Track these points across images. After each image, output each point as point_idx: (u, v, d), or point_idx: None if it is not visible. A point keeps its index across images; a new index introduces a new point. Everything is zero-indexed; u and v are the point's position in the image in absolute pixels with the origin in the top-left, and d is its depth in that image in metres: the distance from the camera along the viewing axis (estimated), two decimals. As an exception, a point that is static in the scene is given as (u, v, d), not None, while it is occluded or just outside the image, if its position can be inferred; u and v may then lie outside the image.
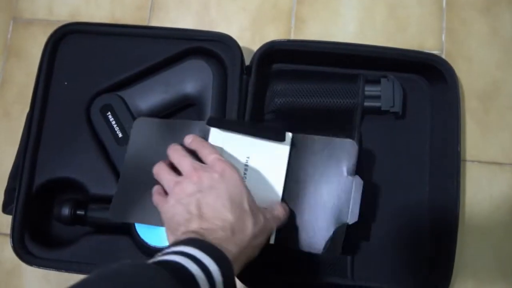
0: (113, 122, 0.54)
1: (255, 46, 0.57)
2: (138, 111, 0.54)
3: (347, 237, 0.49)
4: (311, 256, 0.54)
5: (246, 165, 0.50)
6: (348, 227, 0.48)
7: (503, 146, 0.58)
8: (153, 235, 0.49)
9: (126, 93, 0.55)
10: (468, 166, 0.58)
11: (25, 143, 0.54)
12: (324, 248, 0.49)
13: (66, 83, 0.57)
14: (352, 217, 0.48)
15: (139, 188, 0.49)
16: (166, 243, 0.43)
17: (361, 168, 0.56)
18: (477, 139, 0.59)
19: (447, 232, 0.52)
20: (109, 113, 0.54)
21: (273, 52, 0.56)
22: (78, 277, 0.56)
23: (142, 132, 0.51)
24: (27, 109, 0.56)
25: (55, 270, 0.53)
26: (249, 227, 0.42)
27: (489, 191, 0.57)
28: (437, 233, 0.54)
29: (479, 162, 0.58)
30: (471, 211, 0.57)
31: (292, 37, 0.63)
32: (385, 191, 0.56)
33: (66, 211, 0.52)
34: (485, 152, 0.58)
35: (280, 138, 0.49)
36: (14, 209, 0.53)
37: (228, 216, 0.41)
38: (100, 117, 0.55)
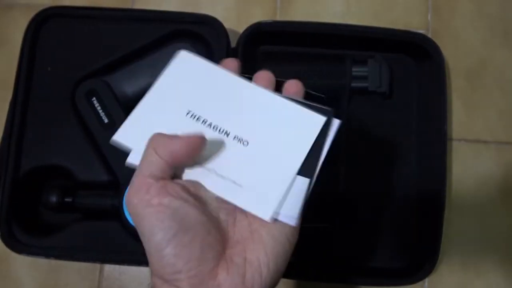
0: (99, 108, 0.53)
1: (240, 28, 0.56)
2: (123, 96, 0.54)
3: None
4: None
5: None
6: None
7: (488, 124, 0.59)
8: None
9: (111, 78, 0.54)
10: (455, 145, 0.59)
11: (9, 130, 0.53)
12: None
13: (49, 68, 0.55)
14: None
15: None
16: None
17: (349, 148, 0.57)
18: (463, 118, 0.59)
19: (434, 209, 0.53)
20: (94, 98, 0.54)
21: (259, 34, 0.56)
22: (68, 264, 0.57)
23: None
24: (9, 95, 0.55)
25: (44, 258, 0.53)
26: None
27: (475, 169, 0.58)
28: (424, 211, 0.55)
29: (465, 140, 0.59)
30: (457, 189, 0.58)
31: (278, 17, 0.62)
32: (372, 171, 0.57)
33: (53, 198, 0.52)
34: (471, 131, 0.59)
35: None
36: (0, 197, 0.52)
37: None
38: (85, 103, 0.54)
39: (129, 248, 0.51)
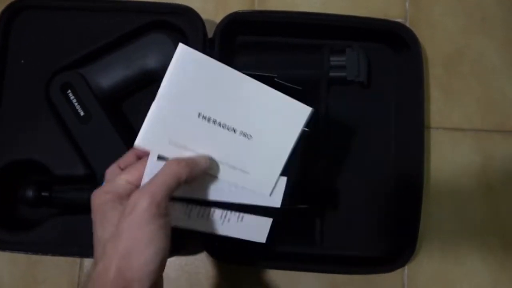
0: (74, 101, 0.53)
1: (218, 18, 0.55)
2: (99, 88, 0.53)
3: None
4: (279, 226, 0.55)
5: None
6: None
7: (466, 112, 0.59)
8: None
9: (86, 70, 0.53)
10: (433, 133, 0.59)
11: (-18, 126, 0.53)
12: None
13: (22, 61, 0.55)
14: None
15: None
16: None
17: (329, 138, 0.57)
18: (441, 106, 0.60)
19: (413, 197, 0.54)
20: (69, 91, 0.53)
21: (237, 24, 0.55)
22: (46, 259, 0.56)
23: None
24: (-17, 89, 0.54)
25: (22, 253, 0.52)
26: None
27: (452, 157, 0.59)
28: (403, 199, 0.56)
29: (443, 128, 0.59)
30: (435, 177, 0.58)
31: (256, 7, 0.62)
32: (352, 160, 0.57)
33: (30, 193, 0.51)
34: (449, 119, 0.59)
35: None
36: (-25, 194, 0.52)
37: None
38: (60, 96, 0.53)
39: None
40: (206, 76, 0.39)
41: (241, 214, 0.42)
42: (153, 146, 0.38)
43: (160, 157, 0.38)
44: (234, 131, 0.39)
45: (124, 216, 0.34)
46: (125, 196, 0.36)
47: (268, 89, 0.39)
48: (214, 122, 0.39)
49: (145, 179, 0.37)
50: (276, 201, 0.41)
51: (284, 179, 0.41)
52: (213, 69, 0.39)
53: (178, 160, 0.37)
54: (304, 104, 0.40)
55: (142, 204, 0.33)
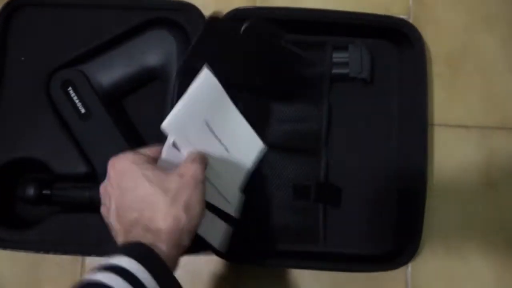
0: (75, 98, 0.52)
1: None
2: (100, 86, 0.53)
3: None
4: (282, 224, 0.54)
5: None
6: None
7: (469, 109, 0.59)
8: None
9: (87, 67, 0.53)
10: (436, 130, 0.59)
11: (-18, 123, 0.52)
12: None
13: (23, 58, 0.54)
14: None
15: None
16: None
17: (330, 134, 0.56)
18: (445, 103, 0.59)
19: (416, 195, 0.54)
20: (70, 88, 0.53)
21: (238, 21, 0.55)
22: (48, 258, 0.56)
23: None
24: (-17, 87, 0.54)
25: (23, 252, 0.52)
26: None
27: (456, 154, 0.58)
28: (406, 197, 0.55)
29: (447, 125, 0.59)
30: (439, 175, 0.58)
31: (258, 4, 0.61)
32: (354, 158, 0.57)
33: (31, 191, 0.51)
34: (452, 116, 0.59)
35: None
36: (-25, 192, 0.52)
37: None
38: (61, 93, 0.53)
39: (109, 240, 0.50)
40: (215, 96, 0.47)
41: (215, 216, 0.49)
42: (173, 132, 0.44)
43: (173, 145, 0.45)
44: (220, 141, 0.49)
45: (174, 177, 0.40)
46: (152, 161, 0.42)
47: (243, 120, 0.51)
48: (211, 131, 0.47)
49: (162, 156, 0.44)
50: (235, 212, 0.50)
51: (242, 196, 0.51)
52: (219, 94, 0.48)
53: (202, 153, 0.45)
54: (259, 139, 0.52)
55: (196, 169, 0.41)
